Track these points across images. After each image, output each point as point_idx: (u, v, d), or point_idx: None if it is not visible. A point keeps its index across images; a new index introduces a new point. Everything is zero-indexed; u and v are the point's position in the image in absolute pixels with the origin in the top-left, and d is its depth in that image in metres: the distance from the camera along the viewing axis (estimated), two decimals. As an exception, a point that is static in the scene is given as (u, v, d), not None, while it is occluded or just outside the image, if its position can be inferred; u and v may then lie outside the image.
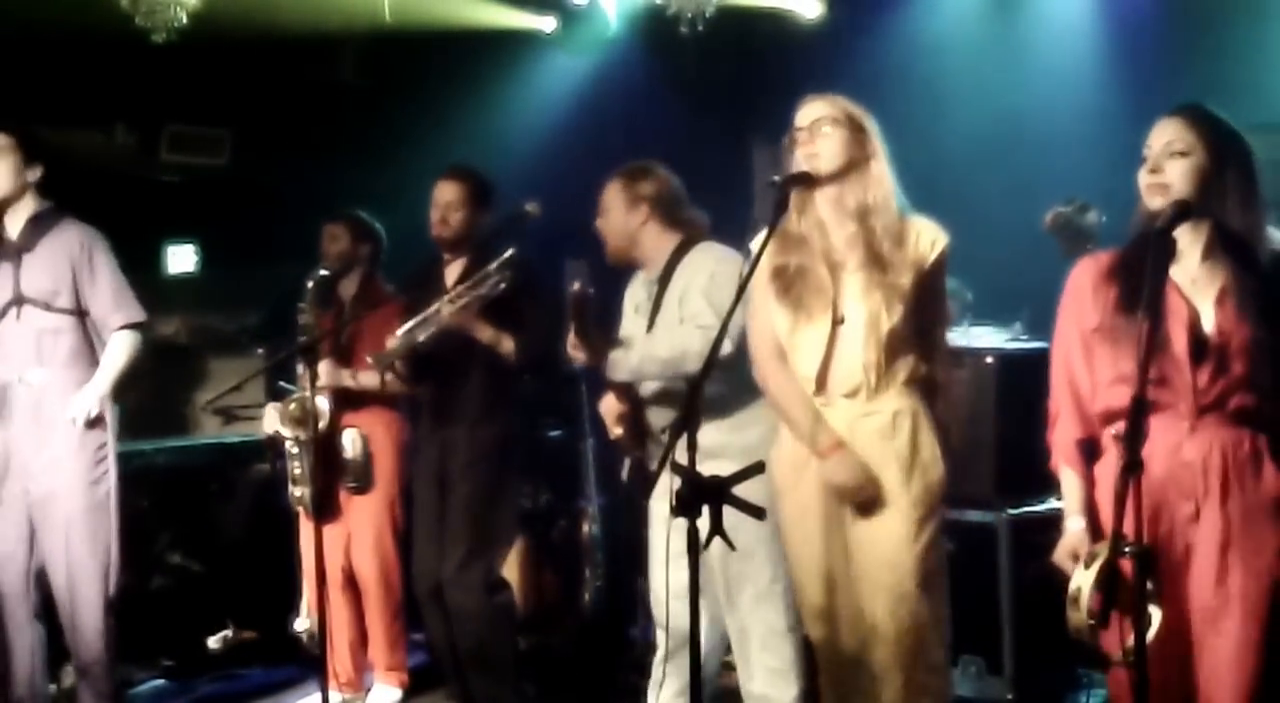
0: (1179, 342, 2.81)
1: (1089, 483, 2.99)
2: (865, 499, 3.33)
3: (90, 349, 4.46)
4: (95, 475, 4.43)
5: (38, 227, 4.42)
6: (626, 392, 4.02)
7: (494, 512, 4.69)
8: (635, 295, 4.16)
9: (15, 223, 4.43)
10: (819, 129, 3.33)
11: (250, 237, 6.49)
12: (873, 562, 3.35)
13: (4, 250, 4.42)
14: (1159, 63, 5.40)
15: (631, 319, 4.12)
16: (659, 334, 3.93)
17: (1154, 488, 2.79)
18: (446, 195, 4.67)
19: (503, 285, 4.39)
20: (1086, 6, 5.86)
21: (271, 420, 4.93)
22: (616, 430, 4.08)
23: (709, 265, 3.90)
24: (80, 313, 4.42)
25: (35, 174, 4.44)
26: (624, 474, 4.17)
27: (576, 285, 3.85)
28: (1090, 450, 2.98)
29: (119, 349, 4.45)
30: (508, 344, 4.52)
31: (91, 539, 4.40)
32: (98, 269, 4.43)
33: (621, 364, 3.92)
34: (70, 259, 4.39)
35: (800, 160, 3.36)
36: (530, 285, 4.49)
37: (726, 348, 3.63)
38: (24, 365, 4.39)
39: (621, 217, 4.07)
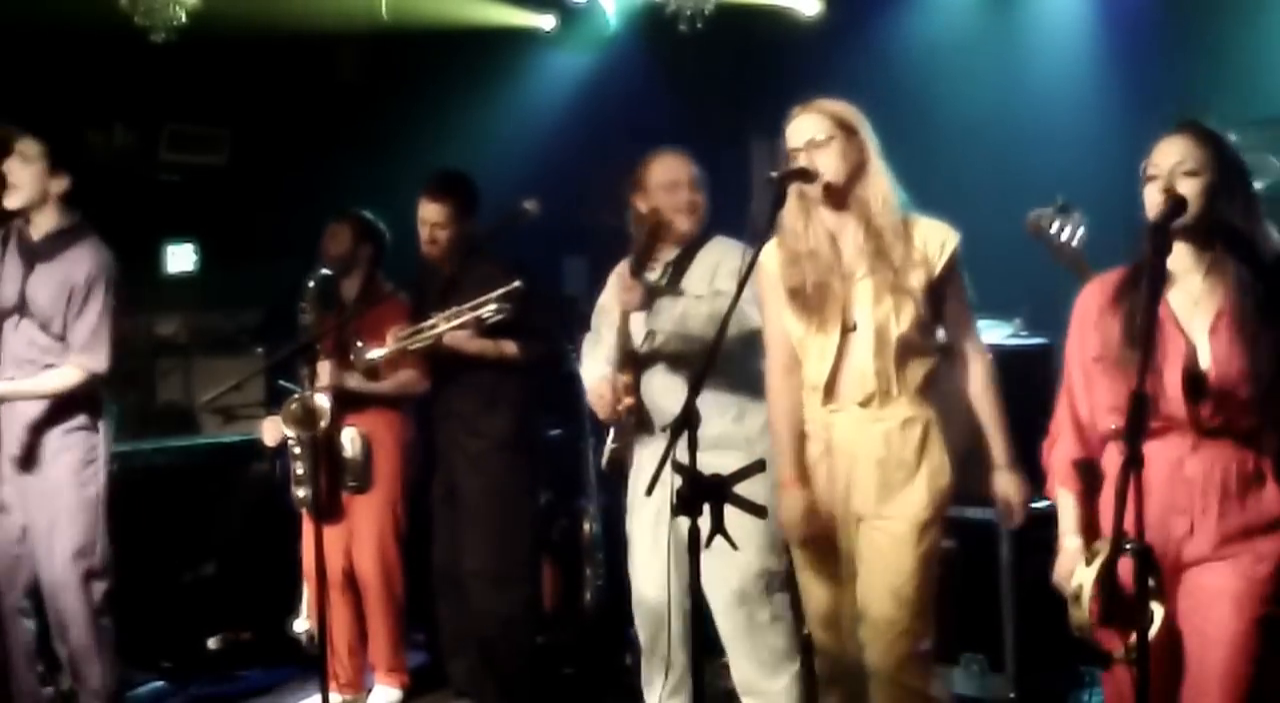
0: (1173, 380, 2.79)
1: (1085, 503, 2.96)
2: (806, 539, 3.39)
3: None
4: (83, 478, 4.36)
5: (59, 241, 4.36)
6: (635, 372, 4.00)
7: (506, 504, 4.73)
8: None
9: (38, 230, 4.38)
10: (814, 147, 3.31)
11: (249, 236, 6.49)
12: (875, 567, 3.34)
13: (22, 247, 4.37)
14: (1154, 60, 5.41)
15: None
16: (696, 301, 3.91)
17: (1155, 503, 2.75)
18: (432, 215, 4.70)
19: (502, 315, 4.40)
20: (1082, 3, 5.86)
21: (270, 432, 4.91)
22: (612, 411, 4.02)
23: (736, 254, 3.79)
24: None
25: (61, 185, 4.37)
26: (603, 462, 4.14)
27: (644, 208, 3.89)
28: (1088, 471, 2.96)
29: (58, 378, 4.31)
30: (509, 348, 4.59)
31: (77, 542, 4.33)
32: (88, 306, 4.31)
33: (667, 311, 3.90)
34: (71, 287, 4.31)
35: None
36: (531, 288, 4.46)
37: (755, 321, 3.61)
38: (15, 373, 4.34)
39: (703, 198, 4.07)
